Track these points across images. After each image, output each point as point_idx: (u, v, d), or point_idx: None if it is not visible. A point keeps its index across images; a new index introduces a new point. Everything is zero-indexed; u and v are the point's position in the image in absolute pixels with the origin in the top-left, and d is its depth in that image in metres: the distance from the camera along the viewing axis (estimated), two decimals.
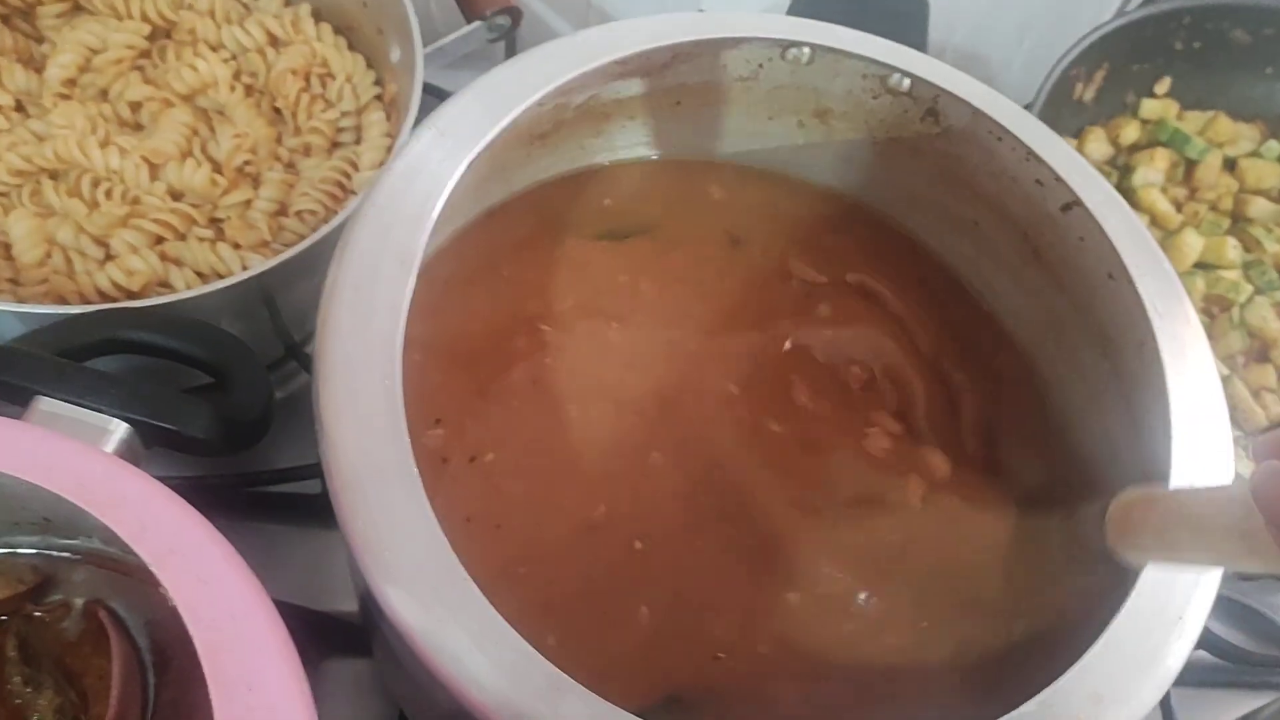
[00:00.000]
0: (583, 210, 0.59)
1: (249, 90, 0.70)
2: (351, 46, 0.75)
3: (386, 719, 0.60)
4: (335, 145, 0.71)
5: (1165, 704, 0.65)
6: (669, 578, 0.48)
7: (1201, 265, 0.76)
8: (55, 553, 0.47)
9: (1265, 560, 0.36)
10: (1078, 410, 0.55)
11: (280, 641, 0.38)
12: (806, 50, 0.55)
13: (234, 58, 0.72)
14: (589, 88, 0.54)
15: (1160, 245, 0.51)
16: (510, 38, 0.77)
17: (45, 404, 0.45)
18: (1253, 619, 0.71)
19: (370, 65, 0.73)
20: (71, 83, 0.68)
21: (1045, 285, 0.56)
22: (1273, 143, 0.83)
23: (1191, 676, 0.42)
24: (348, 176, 0.67)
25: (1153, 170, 0.79)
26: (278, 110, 0.71)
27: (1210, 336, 0.50)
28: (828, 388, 0.56)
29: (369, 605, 0.42)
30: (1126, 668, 0.40)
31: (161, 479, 0.41)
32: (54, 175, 0.65)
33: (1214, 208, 0.79)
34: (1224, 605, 0.70)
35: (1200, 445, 0.46)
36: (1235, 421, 0.71)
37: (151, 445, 0.47)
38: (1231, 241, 0.76)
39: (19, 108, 0.68)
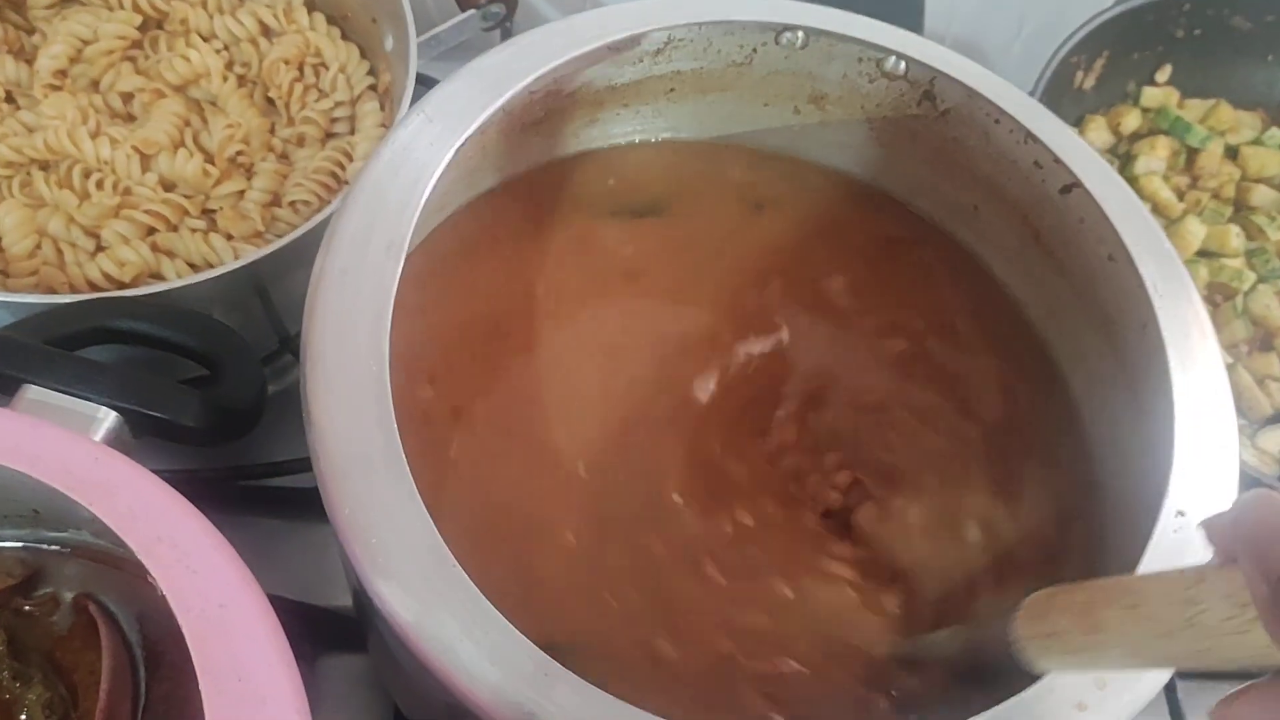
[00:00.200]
0: (588, 189, 0.59)
1: (241, 80, 0.70)
2: (345, 36, 0.74)
3: (382, 715, 0.59)
4: (329, 135, 0.70)
5: (1171, 696, 0.64)
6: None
7: (1204, 253, 0.76)
8: (45, 546, 0.47)
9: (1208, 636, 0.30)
10: (1081, 398, 0.54)
11: (271, 631, 0.38)
12: (800, 34, 0.55)
13: (226, 48, 0.71)
14: (581, 74, 0.54)
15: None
16: (505, 27, 0.76)
17: (33, 392, 0.44)
18: None
19: (364, 55, 0.73)
20: (62, 74, 0.68)
21: (1046, 269, 0.56)
22: (1275, 130, 0.82)
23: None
24: (342, 167, 0.67)
25: (1154, 158, 0.79)
26: (271, 101, 0.70)
27: (1214, 325, 0.49)
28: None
29: (361, 597, 0.42)
30: None
31: (154, 472, 0.41)
32: (44, 166, 0.65)
33: (1216, 196, 0.78)
34: None
35: (1205, 429, 0.45)
36: (1240, 410, 0.70)
37: (141, 434, 0.46)
38: (1234, 229, 0.75)
39: (9, 99, 0.68)
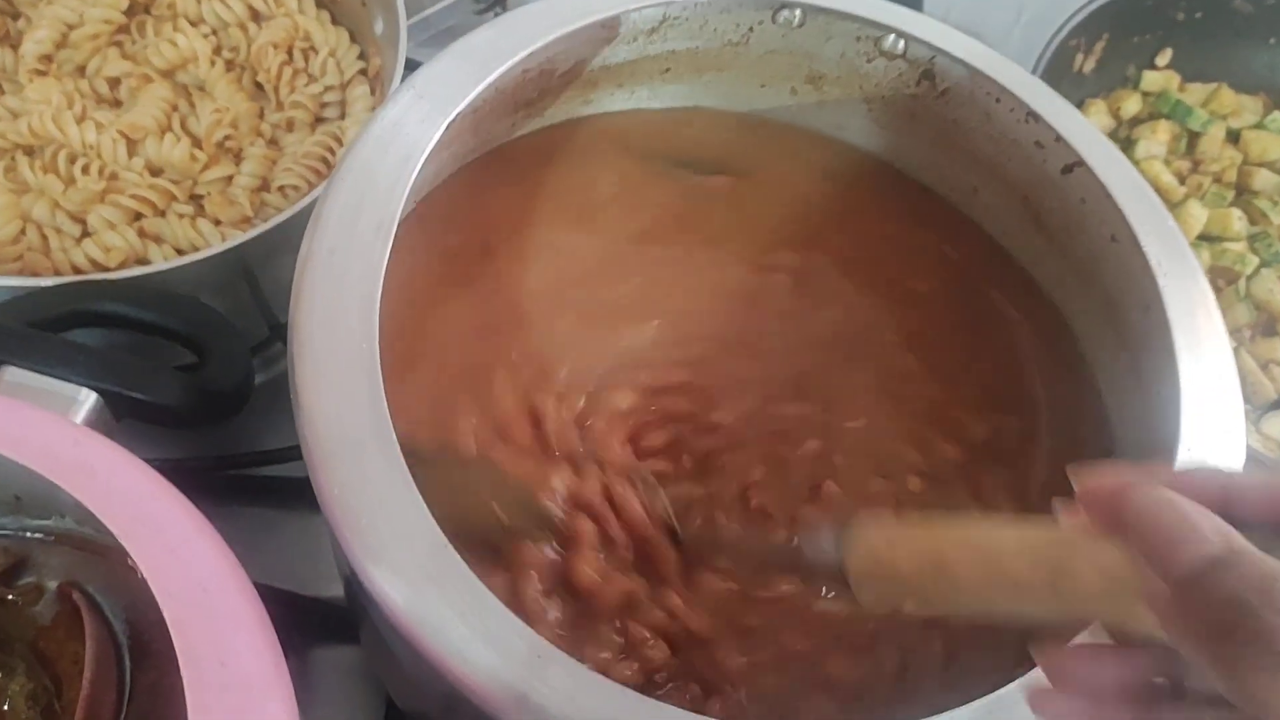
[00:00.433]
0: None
1: (230, 65, 0.69)
2: (335, 20, 0.73)
3: (374, 706, 0.58)
4: (319, 120, 0.69)
5: None
6: None
7: (1206, 237, 0.75)
8: (28, 534, 0.46)
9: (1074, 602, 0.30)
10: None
11: (255, 616, 0.37)
12: (798, 12, 0.54)
13: (214, 32, 0.70)
14: (574, 53, 0.53)
15: None
16: (496, 11, 0.75)
17: (11, 373, 0.44)
18: None
19: (354, 39, 0.72)
20: (48, 59, 0.67)
21: (1047, 251, 0.55)
22: (1277, 114, 0.81)
23: None
24: (331, 152, 0.66)
25: (1155, 143, 0.78)
26: (260, 85, 0.69)
27: None
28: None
29: (351, 583, 0.41)
30: None
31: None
32: (29, 152, 0.64)
33: (1218, 180, 0.78)
34: None
35: (1210, 409, 0.44)
36: (1244, 395, 0.69)
37: (123, 416, 0.45)
38: (1236, 213, 0.75)
39: None
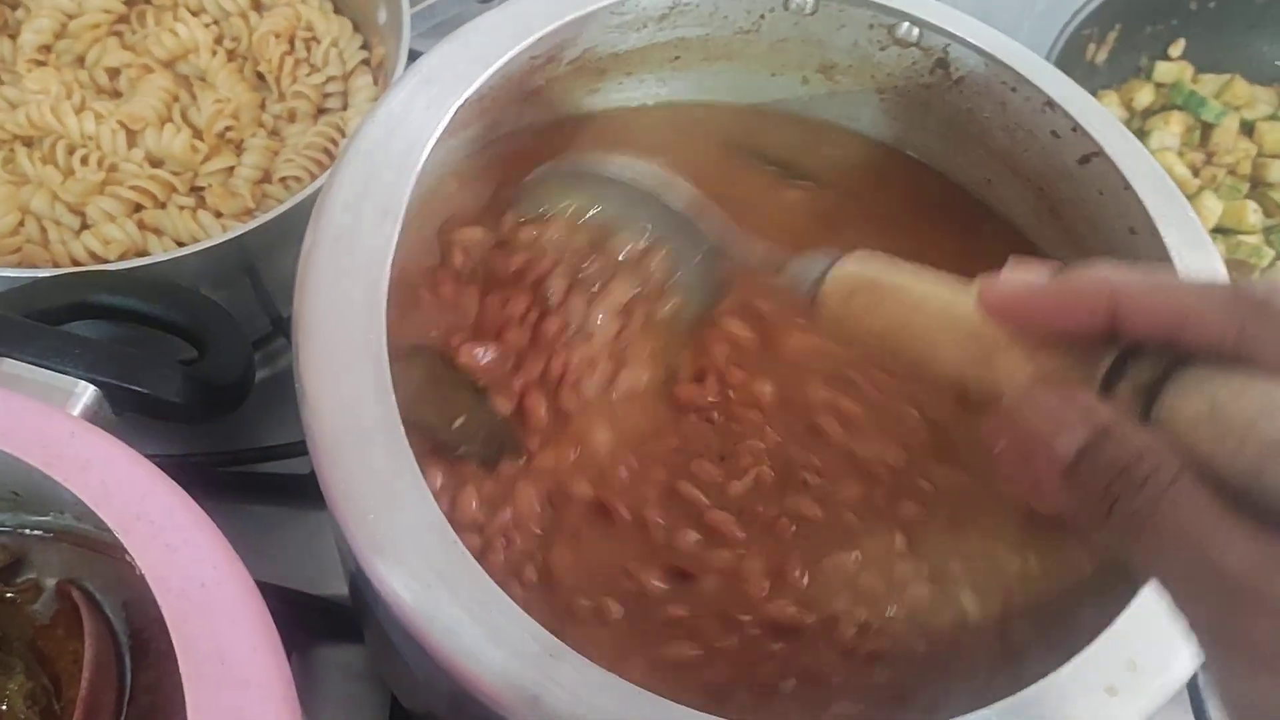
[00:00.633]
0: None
1: (231, 55, 0.68)
2: (337, 9, 0.72)
3: (379, 706, 0.57)
4: (321, 111, 0.68)
5: (1192, 684, 0.62)
6: None
7: (1221, 230, 0.74)
8: (26, 530, 0.45)
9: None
10: None
11: (256, 613, 0.36)
12: None
13: (215, 22, 0.70)
14: (583, 39, 0.52)
15: None
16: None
17: (7, 365, 0.43)
18: None
19: (357, 28, 0.71)
20: (47, 49, 0.67)
21: (1063, 244, 0.54)
22: None
23: None
24: (334, 143, 0.65)
25: (1168, 134, 0.77)
26: (261, 76, 0.69)
27: None
28: None
29: (357, 580, 0.40)
30: (1162, 631, 0.38)
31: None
32: (28, 143, 0.63)
33: (1232, 172, 0.77)
34: None
35: None
36: None
37: (122, 410, 0.44)
38: (1251, 205, 0.74)
39: None
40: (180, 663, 0.34)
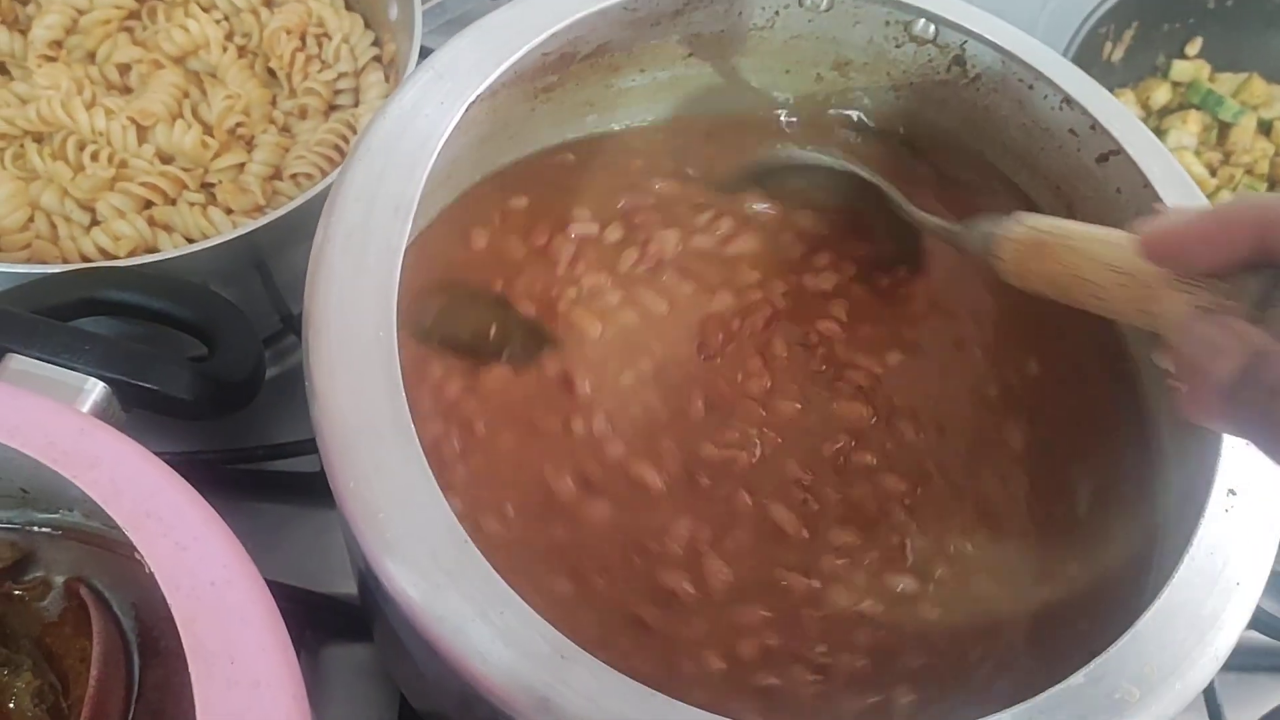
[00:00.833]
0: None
1: (242, 51, 0.68)
2: (349, 6, 0.72)
3: (387, 705, 0.57)
4: (332, 108, 0.68)
5: (1208, 687, 0.61)
6: None
7: None
8: (35, 528, 0.45)
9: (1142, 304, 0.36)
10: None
11: (266, 611, 0.35)
12: None
13: (226, 18, 0.69)
14: (596, 35, 0.51)
15: None
16: None
17: (17, 362, 0.42)
18: None
19: (368, 25, 0.71)
20: (57, 45, 0.66)
21: None
22: None
23: (1238, 659, 0.39)
24: (345, 139, 0.65)
25: (1185, 133, 0.76)
26: (272, 72, 0.68)
27: None
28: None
29: (366, 578, 0.40)
30: (1181, 637, 0.37)
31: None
32: (38, 139, 0.63)
33: (1250, 172, 0.76)
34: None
35: None
36: None
37: (131, 407, 0.44)
38: None
39: (2, 70, 0.66)
40: (189, 662, 0.33)
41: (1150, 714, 0.36)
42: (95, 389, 0.43)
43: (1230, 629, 0.38)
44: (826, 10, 0.54)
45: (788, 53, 0.56)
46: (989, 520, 0.48)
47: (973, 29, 0.52)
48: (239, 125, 0.65)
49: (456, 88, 0.44)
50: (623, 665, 0.33)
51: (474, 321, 0.49)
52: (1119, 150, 0.49)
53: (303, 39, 0.69)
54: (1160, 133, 0.78)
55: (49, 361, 0.42)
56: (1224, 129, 0.79)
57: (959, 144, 0.56)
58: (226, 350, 0.47)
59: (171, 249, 0.57)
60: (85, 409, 0.43)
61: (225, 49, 0.67)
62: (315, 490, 0.62)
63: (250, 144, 0.65)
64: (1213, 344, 0.30)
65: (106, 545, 0.44)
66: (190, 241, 0.60)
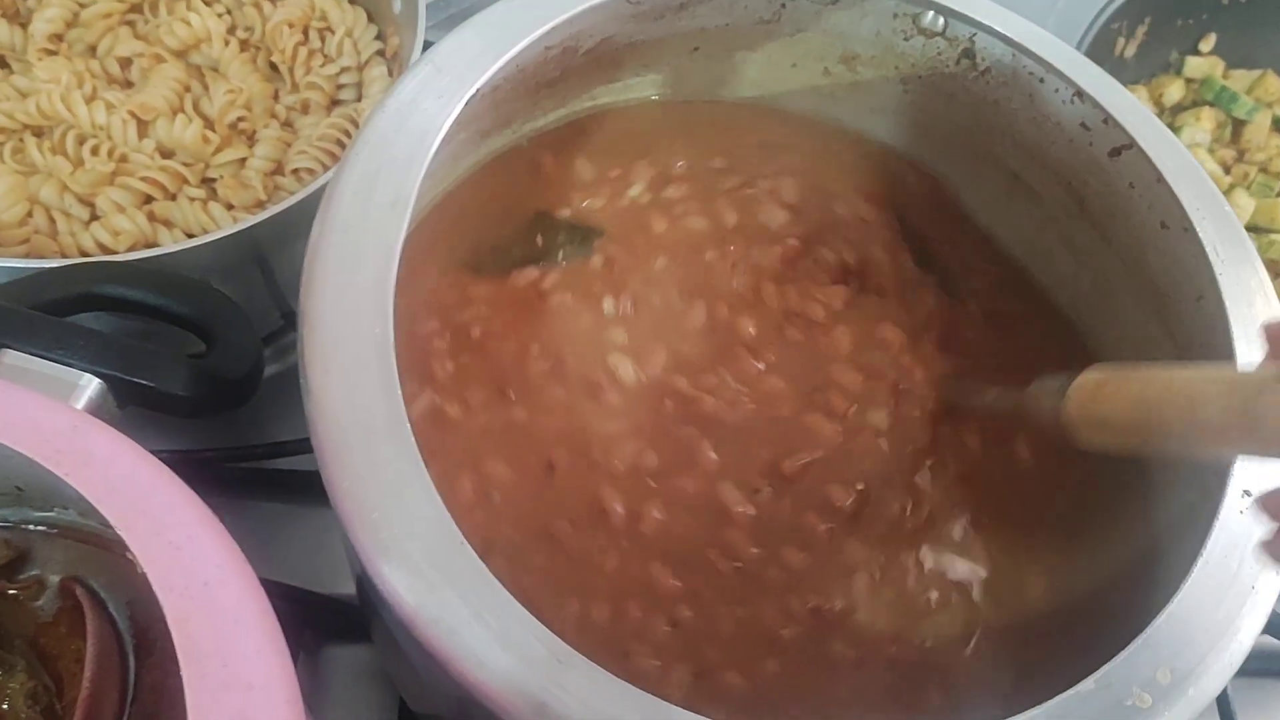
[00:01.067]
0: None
1: (244, 45, 0.67)
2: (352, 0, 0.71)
3: (387, 707, 0.57)
4: (335, 103, 0.68)
5: (1222, 697, 0.60)
6: None
7: (1253, 228, 0.73)
8: (30, 526, 0.44)
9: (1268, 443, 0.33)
10: None
11: (260, 613, 0.35)
12: None
13: (228, 11, 0.69)
14: (599, 29, 0.51)
15: None
16: None
17: (10, 357, 0.42)
18: None
19: (372, 19, 0.70)
20: (58, 38, 0.66)
21: (1091, 239, 0.53)
22: None
23: (1252, 664, 0.38)
24: (347, 134, 0.64)
25: (1199, 130, 0.76)
26: (274, 66, 0.68)
27: None
28: None
29: (363, 579, 0.39)
30: (1195, 641, 0.37)
31: (150, 451, 0.38)
32: (38, 133, 0.62)
33: (1264, 169, 0.75)
34: None
35: None
36: None
37: (126, 404, 0.44)
38: None
39: (2, 64, 0.65)
40: (181, 664, 0.33)
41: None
42: (90, 385, 0.42)
43: (1245, 634, 0.37)
44: (833, 3, 0.53)
45: (794, 46, 0.56)
46: (984, 527, 0.47)
47: (982, 21, 0.51)
48: (240, 120, 0.64)
49: (456, 81, 0.43)
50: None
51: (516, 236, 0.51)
52: (1132, 144, 0.48)
53: (305, 33, 0.68)
54: (1173, 130, 0.77)
55: (43, 357, 0.42)
56: (1238, 126, 0.78)
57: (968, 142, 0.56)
58: (224, 347, 0.46)
59: (171, 244, 0.57)
60: (80, 405, 0.42)
61: (227, 43, 0.66)
62: (316, 489, 0.60)
63: (252, 139, 0.65)
64: None
65: (102, 544, 0.43)
66: (191, 237, 0.59)
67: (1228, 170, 0.75)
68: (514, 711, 0.32)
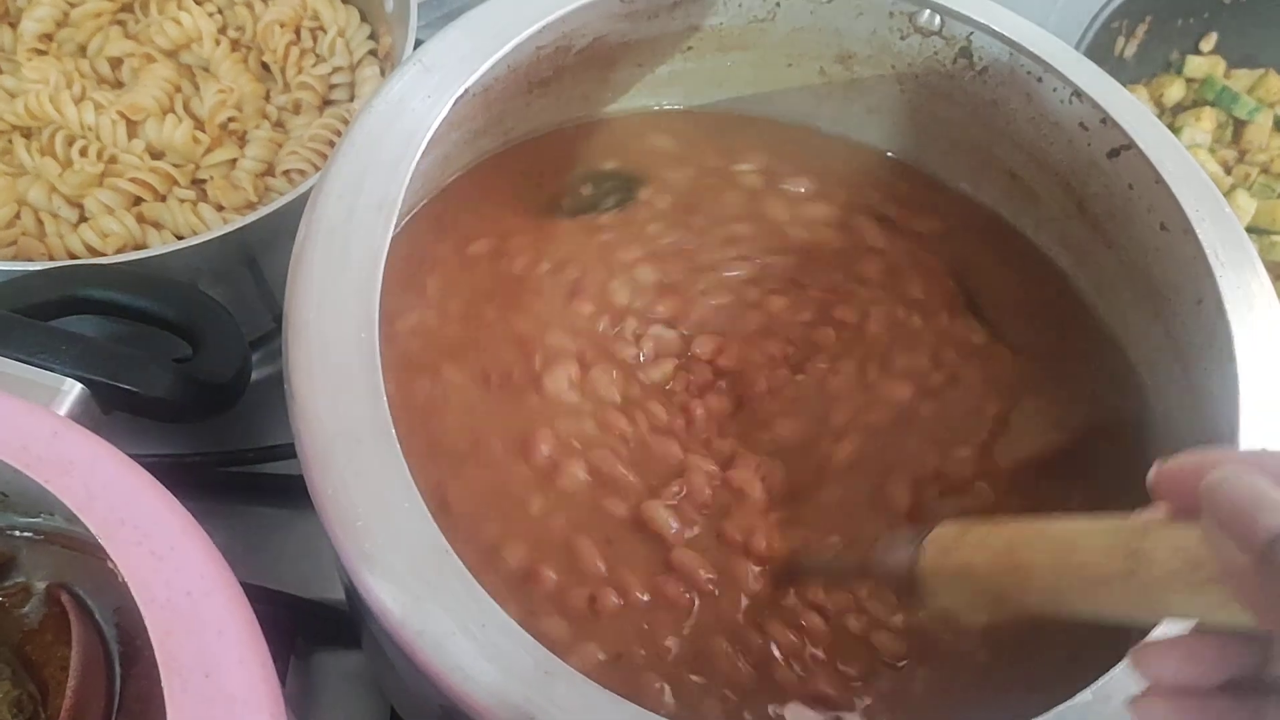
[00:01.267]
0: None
1: (235, 45, 0.67)
2: None
3: (378, 713, 0.56)
4: (327, 103, 0.67)
5: None
6: None
7: (1254, 229, 0.72)
8: (16, 532, 0.44)
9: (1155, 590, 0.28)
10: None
11: (244, 624, 0.34)
12: None
13: (219, 11, 0.68)
14: (591, 28, 0.50)
15: None
16: None
17: None
18: None
19: (365, 18, 0.70)
20: (48, 38, 0.65)
21: (1090, 241, 0.52)
22: None
23: None
24: (339, 135, 0.63)
25: (1199, 131, 0.75)
26: (266, 66, 0.67)
27: None
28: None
29: (349, 588, 0.39)
30: None
31: (137, 456, 0.37)
32: (26, 133, 0.62)
33: (1266, 170, 0.75)
34: None
35: (1273, 409, 0.41)
36: None
37: (111, 409, 0.43)
38: None
39: None
40: (162, 675, 0.32)
41: None
42: (73, 390, 0.42)
43: None
44: (829, 1, 0.52)
45: (790, 45, 0.55)
46: None
47: (979, 20, 0.50)
48: (231, 120, 0.63)
49: (445, 81, 0.43)
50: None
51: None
52: (1131, 145, 0.48)
53: (297, 32, 0.67)
54: (1174, 130, 0.76)
55: (25, 361, 0.41)
56: (1239, 126, 0.77)
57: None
58: (211, 351, 0.46)
59: (161, 246, 0.56)
60: (62, 411, 0.42)
61: (218, 42, 0.66)
62: (307, 494, 0.61)
63: (242, 139, 0.64)
64: (1253, 496, 0.25)
65: (89, 550, 0.43)
66: (180, 239, 0.59)
67: (1229, 171, 0.74)
68: None
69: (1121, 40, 0.75)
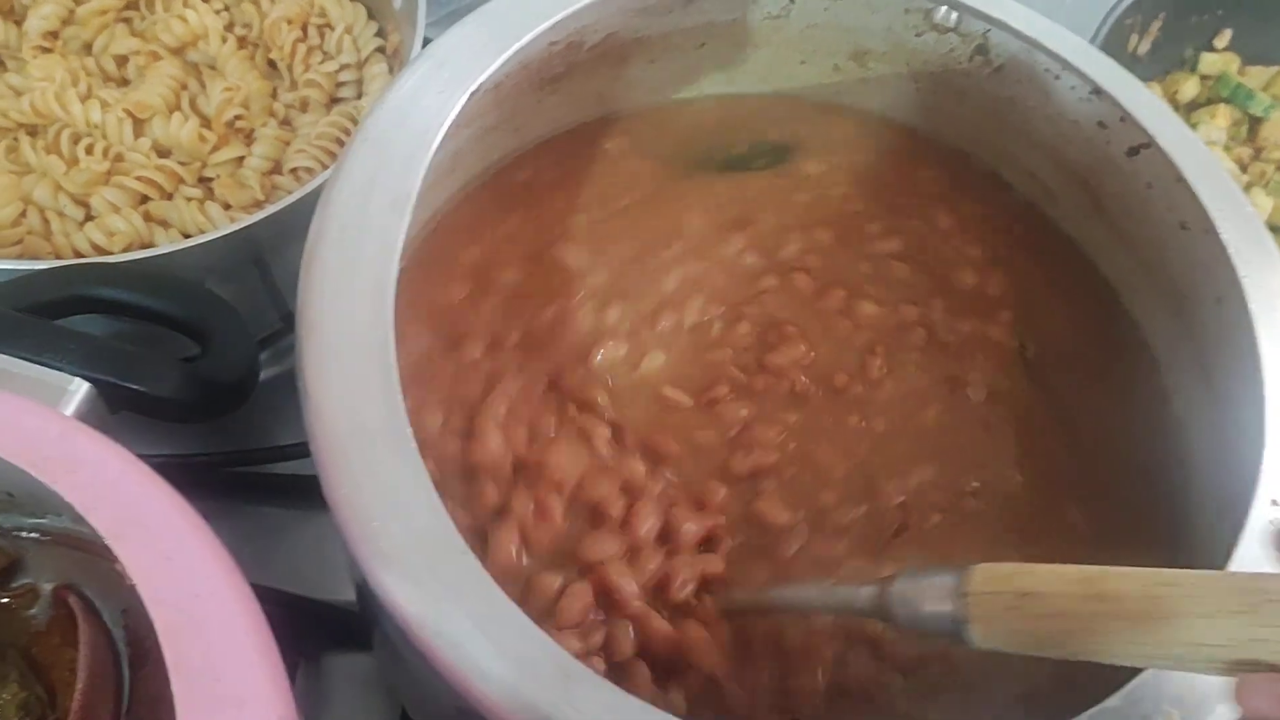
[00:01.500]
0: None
1: (242, 42, 0.67)
2: None
3: (388, 716, 0.56)
4: (335, 100, 0.67)
5: None
6: None
7: (1270, 227, 0.71)
8: (23, 533, 0.43)
9: None
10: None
11: (253, 626, 0.34)
12: None
13: (226, 8, 0.68)
14: (605, 24, 0.49)
15: None
16: None
17: None
18: None
19: (372, 15, 0.69)
20: (53, 35, 0.65)
21: (1109, 240, 0.52)
22: None
23: None
24: (347, 133, 0.63)
25: (1214, 128, 0.74)
26: (273, 64, 0.67)
27: None
28: None
29: (363, 588, 0.38)
30: None
31: (141, 457, 0.37)
32: (32, 132, 0.61)
33: None
34: None
35: None
36: None
37: (118, 409, 0.43)
38: None
39: None
40: (171, 678, 0.32)
41: None
42: (80, 390, 0.41)
43: None
44: None
45: (804, 42, 0.55)
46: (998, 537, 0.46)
47: (996, 16, 0.50)
48: (238, 118, 0.63)
49: (457, 77, 0.42)
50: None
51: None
52: (1150, 143, 0.47)
53: (304, 29, 0.67)
54: (1189, 127, 0.76)
55: (31, 361, 0.41)
56: (1254, 124, 0.77)
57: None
58: (219, 350, 0.45)
59: (167, 245, 0.56)
60: (69, 411, 0.41)
61: (225, 40, 0.65)
62: (317, 494, 0.60)
63: (249, 137, 0.64)
64: None
65: (96, 551, 0.42)
66: (187, 237, 0.58)
67: (1244, 168, 0.74)
68: None
69: (1135, 37, 0.75)
